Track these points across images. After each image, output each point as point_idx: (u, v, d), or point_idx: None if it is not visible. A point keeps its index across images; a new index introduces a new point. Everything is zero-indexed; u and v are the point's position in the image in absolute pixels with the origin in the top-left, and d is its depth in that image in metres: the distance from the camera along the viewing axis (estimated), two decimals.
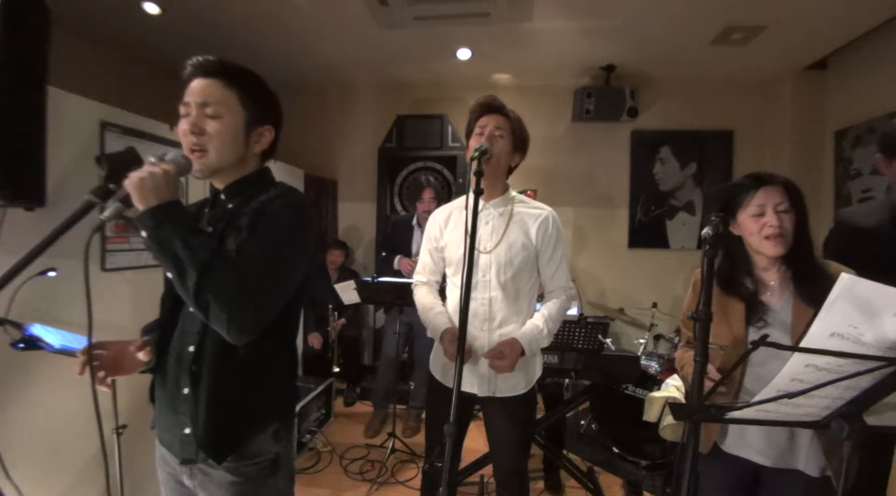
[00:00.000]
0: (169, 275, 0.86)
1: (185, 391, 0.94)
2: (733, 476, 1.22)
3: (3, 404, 1.47)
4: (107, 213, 0.80)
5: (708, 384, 1.09)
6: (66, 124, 1.59)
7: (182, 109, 0.95)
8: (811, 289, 1.12)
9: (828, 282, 1.14)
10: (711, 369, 1.14)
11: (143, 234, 0.84)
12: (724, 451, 1.23)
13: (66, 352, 1.29)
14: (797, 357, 0.72)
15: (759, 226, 1.14)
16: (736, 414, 0.82)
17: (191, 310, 0.94)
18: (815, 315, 1.13)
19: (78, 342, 1.34)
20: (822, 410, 0.80)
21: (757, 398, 0.78)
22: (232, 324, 0.83)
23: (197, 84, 0.94)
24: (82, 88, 1.68)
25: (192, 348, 0.94)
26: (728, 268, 1.24)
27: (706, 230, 1.03)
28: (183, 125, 0.95)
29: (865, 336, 0.69)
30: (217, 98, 0.93)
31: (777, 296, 1.19)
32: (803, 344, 0.71)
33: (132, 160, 0.86)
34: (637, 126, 3.82)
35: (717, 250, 1.11)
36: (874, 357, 0.69)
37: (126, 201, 0.82)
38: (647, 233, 3.87)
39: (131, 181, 0.82)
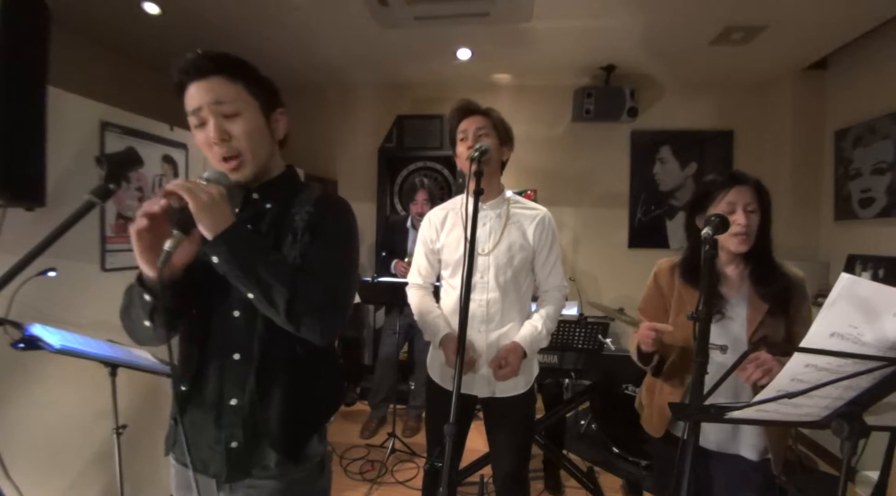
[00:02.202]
0: (250, 295, 0.82)
1: (233, 402, 0.89)
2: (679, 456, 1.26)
3: (3, 404, 1.47)
4: (169, 245, 0.74)
5: (649, 334, 1.19)
6: (66, 124, 1.59)
7: (193, 120, 0.87)
8: (767, 286, 1.22)
9: (782, 281, 1.23)
10: (655, 324, 1.21)
11: (216, 259, 0.79)
12: (674, 435, 1.30)
13: (66, 352, 1.29)
14: (797, 357, 0.72)
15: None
16: (736, 414, 0.82)
17: (235, 315, 0.90)
18: (768, 312, 1.20)
19: (78, 342, 1.34)
20: (823, 410, 0.80)
21: (757, 398, 0.78)
22: (325, 331, 0.86)
23: (199, 86, 0.85)
24: (82, 88, 1.68)
25: (237, 357, 0.90)
26: (691, 260, 1.30)
27: (706, 230, 1.05)
28: (201, 136, 0.87)
29: (865, 336, 0.69)
30: (229, 94, 0.86)
31: (735, 290, 1.26)
32: (803, 344, 0.71)
33: (132, 160, 0.86)
34: (637, 126, 3.82)
35: (717, 250, 1.13)
36: (874, 357, 0.69)
37: (183, 226, 0.77)
38: (647, 233, 3.88)
39: (197, 208, 0.75)
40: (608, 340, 2.45)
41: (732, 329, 1.23)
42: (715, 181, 1.25)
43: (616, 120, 3.65)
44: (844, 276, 0.68)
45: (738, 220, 1.19)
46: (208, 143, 0.87)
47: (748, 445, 1.22)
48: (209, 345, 0.91)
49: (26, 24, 1.28)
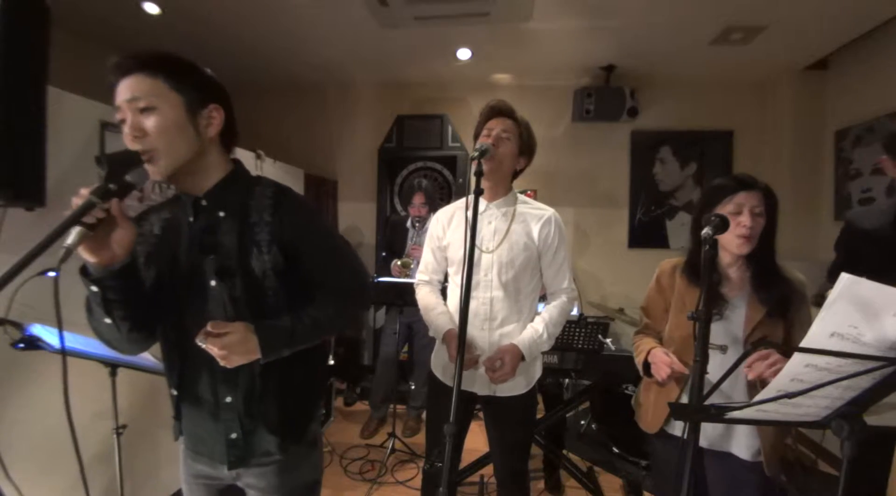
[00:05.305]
0: None
1: (228, 399, 0.95)
2: (678, 455, 1.26)
3: (3, 404, 1.47)
4: (70, 240, 0.77)
5: (666, 370, 1.22)
6: (66, 124, 1.59)
7: (117, 117, 0.87)
8: (767, 291, 1.22)
9: (784, 286, 1.23)
10: (673, 361, 1.23)
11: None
12: (669, 433, 1.31)
13: (66, 352, 1.29)
14: (797, 357, 0.72)
15: (734, 224, 1.19)
16: (736, 414, 0.82)
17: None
18: (767, 313, 1.21)
19: (78, 342, 1.34)
20: (823, 410, 0.80)
21: (758, 398, 0.78)
22: (369, 304, 1.08)
23: (121, 85, 0.85)
24: (82, 88, 1.68)
25: None
26: (696, 259, 1.29)
27: (706, 230, 1.06)
28: (124, 132, 0.86)
29: (865, 336, 0.69)
30: (145, 90, 0.84)
31: (736, 291, 1.27)
32: (803, 344, 0.71)
33: (132, 160, 0.85)
34: (637, 126, 3.82)
35: (717, 250, 1.13)
36: (874, 357, 0.69)
37: (87, 220, 0.77)
38: (647, 233, 3.88)
39: (230, 363, 0.86)
40: (608, 340, 2.45)
41: (730, 329, 1.24)
42: (725, 185, 1.25)
43: (616, 120, 3.65)
44: (844, 276, 0.67)
45: (744, 221, 1.19)
46: (128, 139, 0.86)
47: (741, 444, 1.22)
48: (196, 352, 0.90)
49: (26, 24, 1.29)
